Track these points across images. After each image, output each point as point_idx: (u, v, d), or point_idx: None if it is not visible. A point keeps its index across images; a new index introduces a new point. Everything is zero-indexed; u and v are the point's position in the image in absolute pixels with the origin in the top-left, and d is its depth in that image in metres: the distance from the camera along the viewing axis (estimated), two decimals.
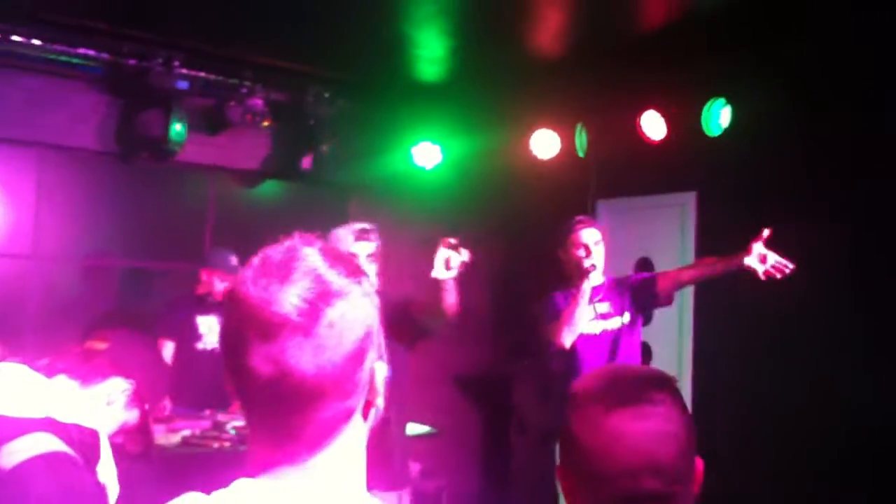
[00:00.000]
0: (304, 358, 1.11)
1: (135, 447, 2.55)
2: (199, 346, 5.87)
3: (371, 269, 4.05)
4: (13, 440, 2.13)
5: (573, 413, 1.48)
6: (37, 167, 6.16)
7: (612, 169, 6.82)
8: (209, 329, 5.90)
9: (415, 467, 6.69)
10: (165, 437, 5.11)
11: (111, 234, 6.53)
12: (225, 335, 1.17)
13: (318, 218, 7.40)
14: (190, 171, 6.78)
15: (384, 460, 4.04)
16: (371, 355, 1.19)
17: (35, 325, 6.04)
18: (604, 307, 4.83)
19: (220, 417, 5.40)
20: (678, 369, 6.44)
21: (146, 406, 2.51)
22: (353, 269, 1.19)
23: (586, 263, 4.68)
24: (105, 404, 2.42)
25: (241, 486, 1.16)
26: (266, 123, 6.39)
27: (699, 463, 1.48)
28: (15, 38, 5.31)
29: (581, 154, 6.66)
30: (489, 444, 8.14)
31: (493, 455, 8.05)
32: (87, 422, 2.27)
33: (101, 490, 2.26)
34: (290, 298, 1.12)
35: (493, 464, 8.06)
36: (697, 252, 6.39)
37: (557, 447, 1.57)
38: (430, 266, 6.82)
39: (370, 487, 1.25)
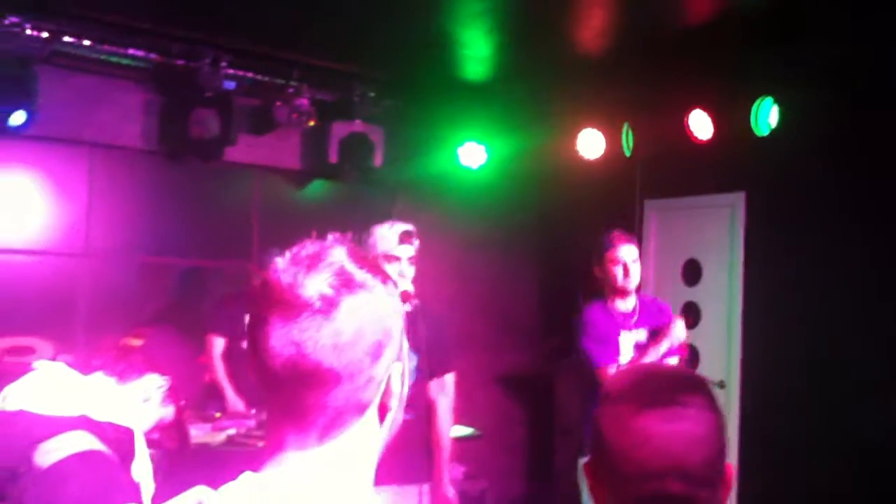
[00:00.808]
0: (321, 340, 1.14)
1: (171, 443, 2.57)
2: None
3: (411, 271, 4.01)
4: (48, 439, 2.15)
5: (603, 411, 1.47)
6: (88, 166, 6.24)
7: (659, 169, 6.76)
8: None
9: (458, 469, 6.68)
10: (210, 436, 5.15)
11: (161, 233, 6.60)
12: (251, 320, 1.21)
13: (364, 217, 7.47)
14: (237, 170, 6.84)
15: (402, 452, 4.02)
16: (389, 353, 1.21)
17: (86, 324, 6.12)
18: (641, 335, 4.69)
19: (264, 416, 5.43)
20: (726, 374, 6.35)
21: (181, 402, 2.52)
22: (377, 270, 1.23)
23: (626, 284, 4.64)
24: (141, 401, 2.43)
25: (247, 477, 1.19)
26: (312, 123, 6.41)
27: (729, 468, 1.45)
28: (65, 38, 5.38)
29: (627, 154, 6.60)
30: (533, 445, 8.10)
31: (537, 457, 8.01)
32: (122, 419, 2.29)
33: (135, 487, 2.27)
34: (314, 284, 1.17)
35: (536, 466, 8.02)
36: (746, 253, 6.31)
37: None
38: (475, 265, 6.85)
39: (386, 481, 1.26)
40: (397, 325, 1.23)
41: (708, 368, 6.40)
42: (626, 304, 4.71)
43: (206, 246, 6.77)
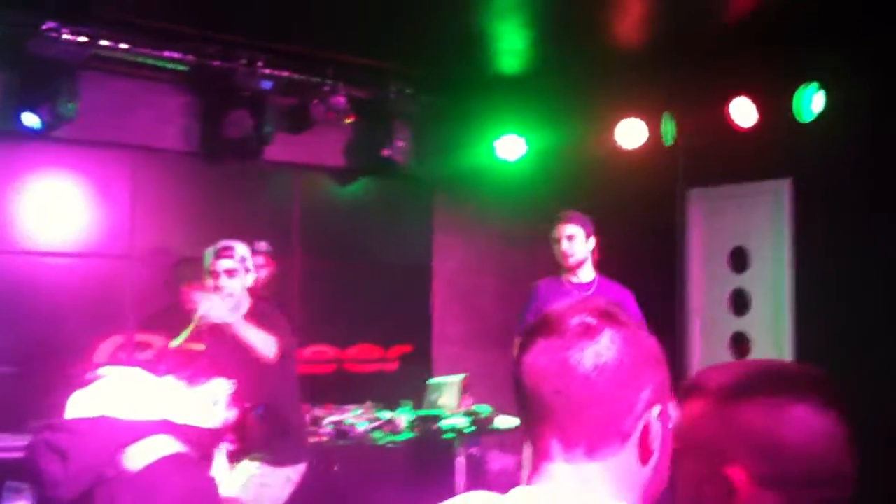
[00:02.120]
0: (584, 358, 1.25)
1: (236, 443, 2.62)
2: None
3: (233, 284, 4.10)
4: (135, 443, 2.20)
5: (773, 414, 1.31)
6: (131, 169, 6.29)
7: (702, 157, 6.66)
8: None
9: (511, 461, 6.66)
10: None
11: (203, 233, 6.63)
12: (519, 346, 1.32)
13: (403, 213, 7.51)
14: (276, 169, 6.86)
15: None
16: (646, 395, 1.26)
17: (131, 325, 6.18)
18: None
19: (318, 412, 5.47)
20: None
21: (245, 405, 2.58)
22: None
23: (564, 261, 5.08)
24: (211, 404, 2.48)
25: (518, 492, 1.27)
26: (349, 120, 6.41)
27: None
28: (102, 42, 5.42)
29: (668, 142, 6.52)
30: None
31: None
32: (200, 422, 2.34)
33: (216, 487, 2.33)
34: (580, 315, 1.28)
35: None
36: (794, 239, 6.22)
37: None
38: (515, 259, 6.81)
39: None
40: (661, 377, 1.29)
41: (758, 355, 6.32)
42: (582, 278, 5.10)
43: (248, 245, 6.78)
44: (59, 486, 2.20)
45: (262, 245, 5.81)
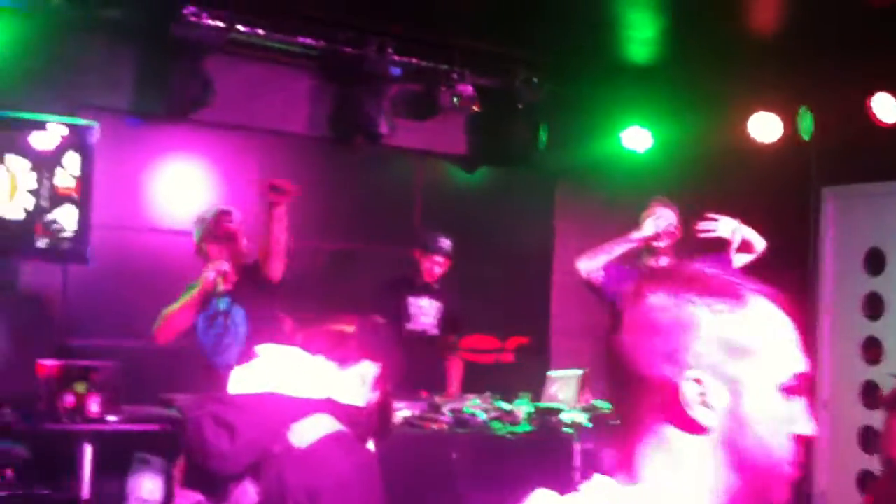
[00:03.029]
0: (626, 320, 1.17)
1: (378, 425, 2.69)
2: (410, 326, 5.95)
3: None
4: (301, 419, 2.28)
5: None
6: (259, 152, 6.42)
7: (840, 154, 6.42)
8: (420, 310, 5.99)
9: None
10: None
11: (326, 217, 6.73)
12: None
13: (525, 203, 7.46)
14: (400, 155, 6.91)
15: None
16: (684, 356, 1.12)
17: None
18: None
19: (437, 400, 5.49)
20: None
21: (388, 387, 2.64)
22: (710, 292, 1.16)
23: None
24: (360, 385, 2.55)
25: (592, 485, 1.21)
26: (475, 108, 6.40)
27: None
28: (239, 27, 5.55)
29: (806, 138, 6.30)
30: None
31: None
32: (356, 401, 2.42)
33: (378, 464, 2.40)
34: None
35: None
36: None
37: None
38: (635, 254, 6.71)
39: None
40: (704, 343, 1.13)
41: (891, 362, 6.08)
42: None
43: (370, 230, 6.85)
44: (226, 459, 2.30)
45: (446, 243, 5.87)
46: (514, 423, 5.46)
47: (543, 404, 5.88)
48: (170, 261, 6.07)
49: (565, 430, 5.54)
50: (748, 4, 5.46)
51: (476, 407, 5.58)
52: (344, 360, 2.53)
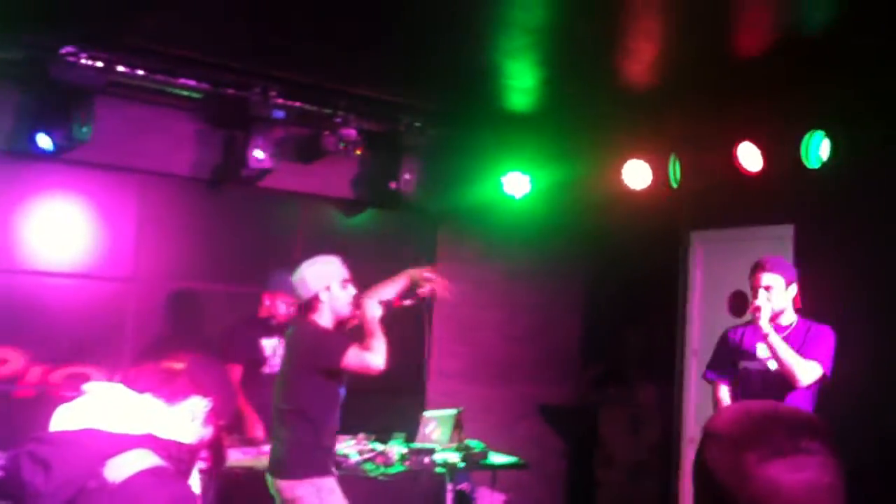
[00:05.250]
0: None
1: (209, 462, 2.68)
2: (265, 370, 5.91)
3: None
4: (118, 455, 2.23)
5: (718, 458, 1.40)
6: (138, 193, 6.32)
7: (707, 200, 6.72)
8: (273, 352, 5.95)
9: (500, 498, 6.64)
10: (258, 460, 5.19)
11: (206, 259, 6.65)
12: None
13: (405, 245, 7.53)
14: (284, 198, 6.89)
15: None
16: None
17: (133, 348, 6.18)
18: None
19: None
20: None
21: (221, 423, 2.64)
22: None
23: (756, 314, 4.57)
24: (189, 421, 2.54)
25: None
26: (358, 152, 6.47)
27: None
28: (119, 68, 5.48)
29: (674, 185, 6.57)
30: (574, 477, 8.03)
31: (579, 489, 7.94)
32: (179, 437, 2.41)
33: (196, 498, 2.38)
34: None
35: (578, 498, 7.95)
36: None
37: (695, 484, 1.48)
38: (518, 294, 6.85)
39: None
40: None
41: None
42: (781, 321, 4.71)
43: (250, 272, 6.79)
44: (41, 497, 2.24)
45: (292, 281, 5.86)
46: (387, 464, 5.47)
47: (417, 444, 5.92)
48: (41, 303, 5.91)
49: (438, 470, 5.60)
50: (622, 59, 5.67)
51: (349, 448, 5.59)
52: (172, 397, 2.53)
